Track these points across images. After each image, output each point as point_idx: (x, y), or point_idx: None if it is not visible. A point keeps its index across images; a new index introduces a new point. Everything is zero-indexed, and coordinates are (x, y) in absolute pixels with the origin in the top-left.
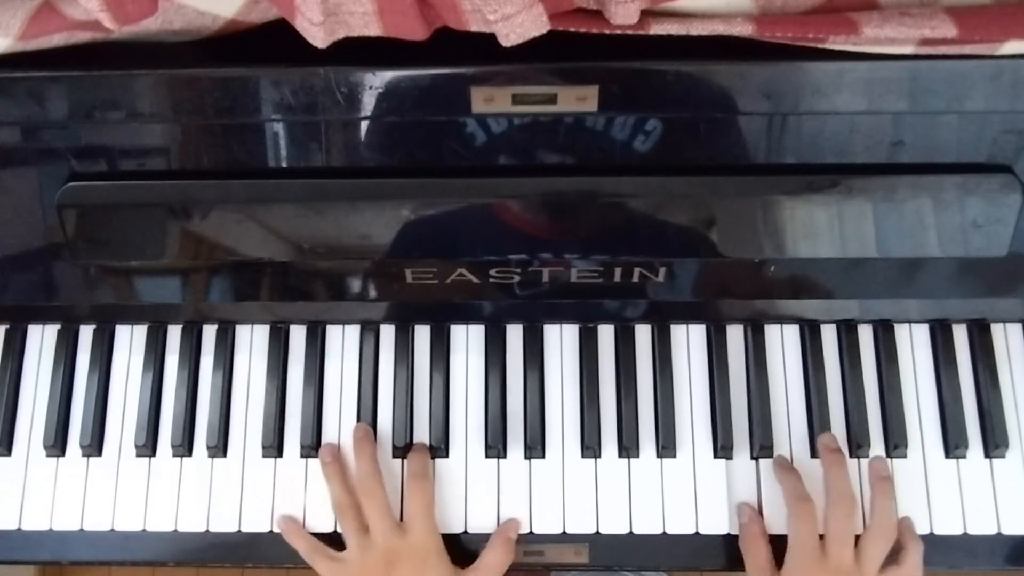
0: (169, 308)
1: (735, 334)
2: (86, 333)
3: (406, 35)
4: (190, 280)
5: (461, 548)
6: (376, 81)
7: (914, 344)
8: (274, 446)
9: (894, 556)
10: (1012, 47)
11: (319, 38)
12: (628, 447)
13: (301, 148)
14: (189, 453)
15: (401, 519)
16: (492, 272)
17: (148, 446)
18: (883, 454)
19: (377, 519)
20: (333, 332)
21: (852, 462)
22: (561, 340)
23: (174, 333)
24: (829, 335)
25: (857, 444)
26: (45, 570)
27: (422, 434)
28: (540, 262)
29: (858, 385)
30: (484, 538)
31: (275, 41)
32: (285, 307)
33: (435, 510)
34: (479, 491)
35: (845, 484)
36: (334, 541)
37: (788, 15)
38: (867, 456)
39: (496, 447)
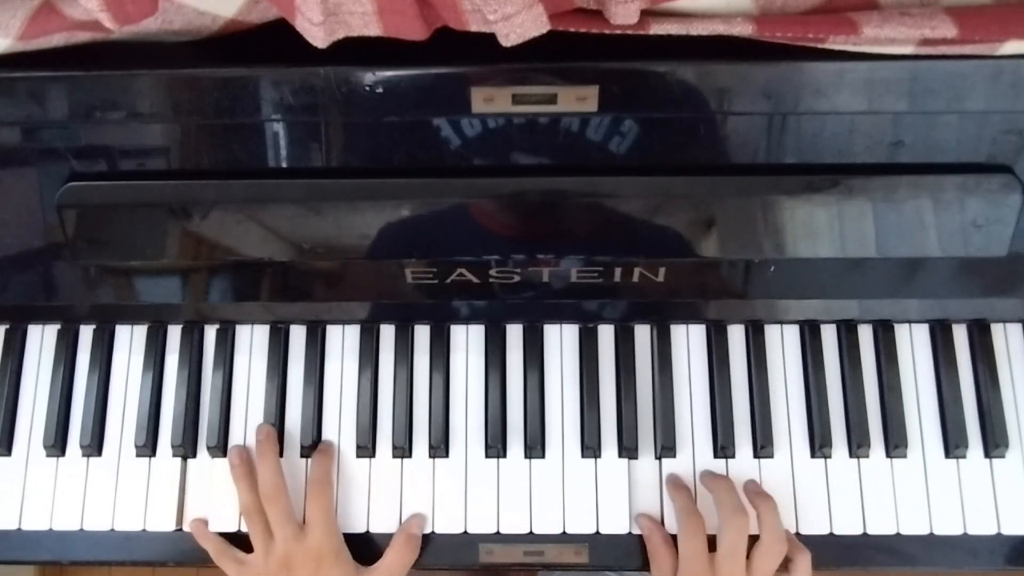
0: (169, 308)
1: (735, 334)
2: (86, 333)
3: (406, 35)
4: (190, 280)
5: (461, 548)
6: (376, 81)
7: (914, 344)
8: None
9: (784, 566)
10: (1012, 47)
11: (319, 38)
12: (628, 447)
13: (301, 148)
14: (191, 453)
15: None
16: (492, 272)
17: (148, 446)
18: (883, 454)
19: (278, 524)
20: (333, 332)
21: (852, 463)
22: (561, 340)
23: (174, 333)
24: (829, 335)
25: (857, 444)
26: (45, 570)
27: (422, 434)
28: (540, 262)
29: (858, 385)
30: (484, 538)
31: (275, 41)
32: (285, 307)
33: (336, 513)
34: (479, 491)
35: (736, 500)
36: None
37: (788, 15)
38: (867, 456)
39: (496, 447)
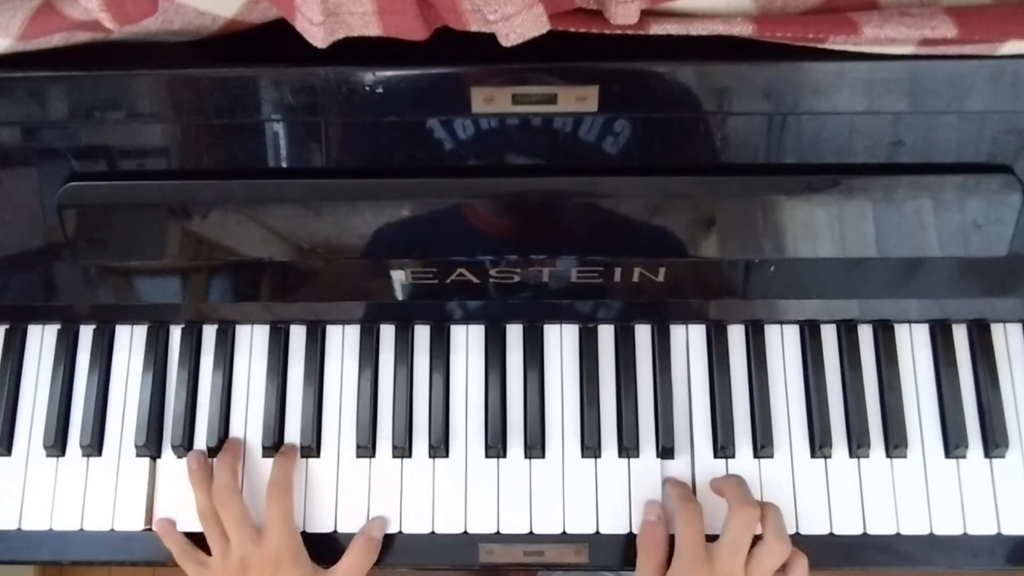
0: (169, 308)
1: (735, 334)
2: (86, 333)
3: (406, 35)
4: (190, 280)
5: (461, 548)
6: (376, 81)
7: (914, 344)
8: (274, 446)
9: (780, 568)
10: (1012, 47)
11: (319, 38)
12: (628, 447)
13: (301, 148)
14: (189, 442)
15: None
16: (492, 272)
17: (148, 446)
18: (883, 454)
19: (232, 529)
20: (333, 332)
21: (852, 463)
22: (561, 340)
23: (174, 333)
24: (829, 335)
25: (857, 444)
26: (45, 570)
27: (422, 434)
28: (540, 262)
29: (858, 385)
30: (484, 538)
31: (275, 41)
32: (285, 307)
33: (296, 516)
34: (479, 491)
35: (746, 493)
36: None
37: (788, 15)
38: (867, 456)
39: (496, 447)
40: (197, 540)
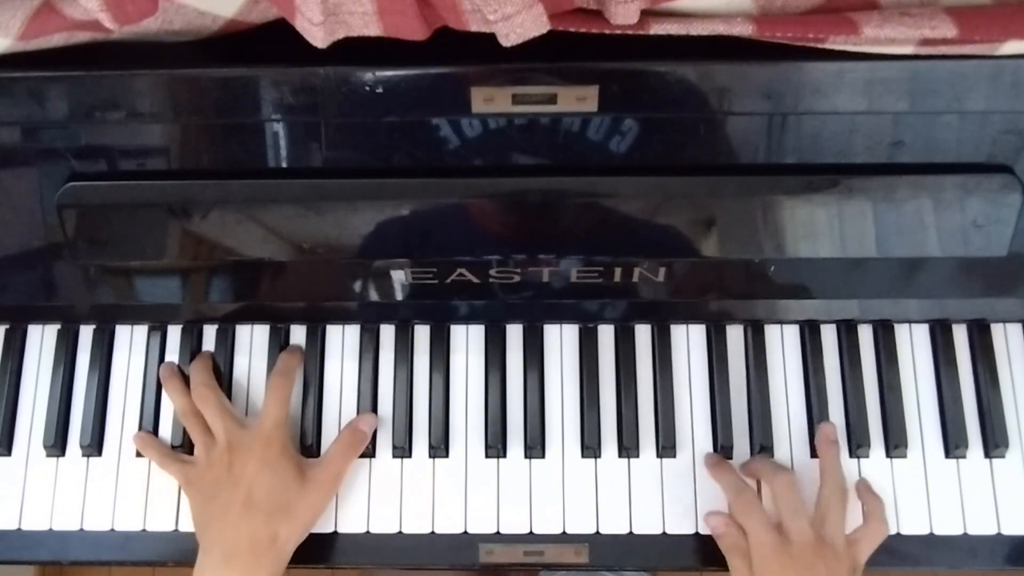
0: (169, 308)
1: (735, 334)
2: (86, 333)
3: (406, 35)
4: (190, 280)
5: (461, 548)
6: (376, 81)
7: (914, 344)
8: None
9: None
10: (1012, 47)
11: (319, 38)
12: (628, 447)
13: (301, 148)
14: (190, 453)
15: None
16: (492, 272)
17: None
18: (883, 454)
19: (215, 418)
20: (333, 332)
21: (852, 463)
22: (561, 340)
23: (174, 333)
24: (829, 335)
25: (857, 444)
26: (45, 570)
27: (422, 434)
28: (540, 262)
29: (858, 385)
30: (484, 538)
31: (275, 41)
32: (285, 307)
33: (289, 404)
34: (479, 491)
35: (772, 464)
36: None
37: (788, 15)
38: (867, 456)
39: (496, 447)
40: (193, 540)
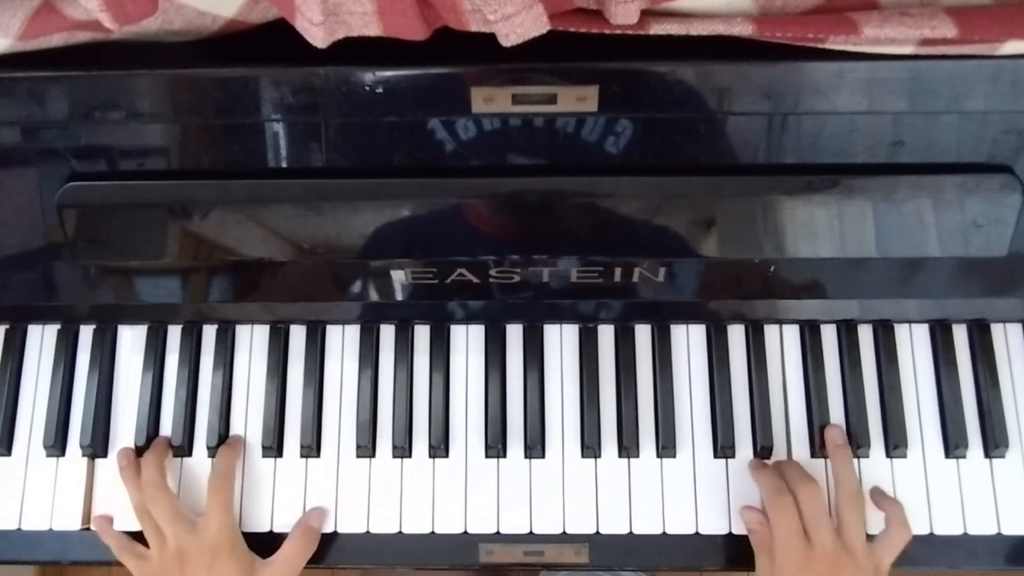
0: (169, 308)
1: (735, 334)
2: (86, 333)
3: (406, 35)
4: (190, 280)
5: (461, 548)
6: (376, 81)
7: (914, 344)
8: (274, 446)
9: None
10: (1012, 47)
11: (319, 38)
12: (628, 447)
13: (301, 148)
14: (189, 453)
15: None
16: (492, 272)
17: (148, 446)
18: (883, 454)
19: (165, 522)
20: (333, 332)
21: (852, 463)
22: (561, 340)
23: (174, 333)
24: (829, 335)
25: (857, 444)
26: (45, 570)
27: (422, 434)
28: (540, 262)
29: (858, 385)
30: (484, 538)
31: (275, 41)
32: (285, 307)
33: (236, 506)
34: (479, 491)
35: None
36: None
37: (788, 15)
38: (867, 456)
39: (496, 447)
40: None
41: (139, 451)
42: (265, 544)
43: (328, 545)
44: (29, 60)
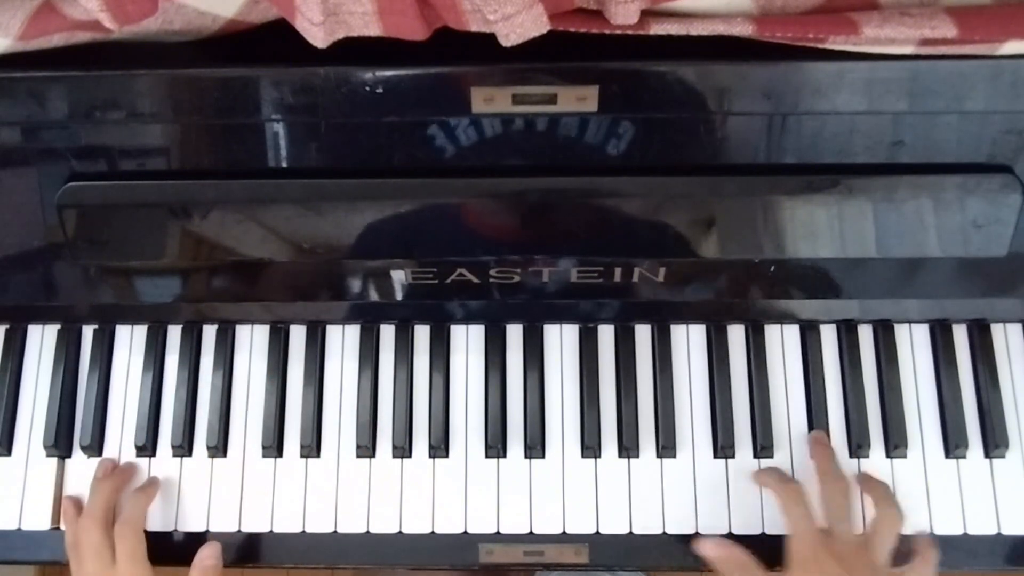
0: (169, 308)
1: (735, 334)
2: (87, 333)
3: (406, 35)
4: (190, 280)
5: (461, 548)
6: (376, 81)
7: (914, 344)
8: (274, 446)
9: (906, 557)
10: (1012, 47)
11: (319, 38)
12: (628, 447)
13: (301, 148)
14: (189, 453)
15: None
16: (492, 272)
17: (148, 446)
18: (883, 454)
19: (88, 556)
20: (333, 332)
21: (852, 463)
22: (561, 340)
23: (174, 333)
24: (829, 335)
25: (857, 444)
26: (45, 570)
27: (422, 434)
28: (540, 262)
29: (858, 385)
30: (484, 538)
31: (275, 41)
32: (285, 307)
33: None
34: (479, 491)
35: (834, 467)
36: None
37: (788, 15)
38: (867, 456)
39: (496, 447)
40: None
41: (139, 451)
42: (265, 545)
43: (328, 545)
44: (29, 60)
